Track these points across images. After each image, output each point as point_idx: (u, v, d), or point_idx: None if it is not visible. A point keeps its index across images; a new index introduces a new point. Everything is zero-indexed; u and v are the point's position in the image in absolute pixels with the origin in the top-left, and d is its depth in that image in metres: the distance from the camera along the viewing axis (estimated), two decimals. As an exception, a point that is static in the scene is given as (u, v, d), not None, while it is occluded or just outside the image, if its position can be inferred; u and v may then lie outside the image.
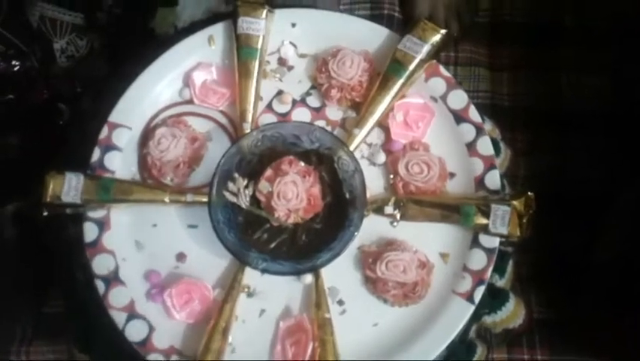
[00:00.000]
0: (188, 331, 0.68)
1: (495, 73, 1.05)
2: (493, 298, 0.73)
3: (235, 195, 0.67)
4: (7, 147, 0.92)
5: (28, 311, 0.94)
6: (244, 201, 0.67)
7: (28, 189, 0.76)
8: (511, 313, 0.76)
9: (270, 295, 0.68)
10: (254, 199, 0.67)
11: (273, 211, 0.66)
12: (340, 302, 0.68)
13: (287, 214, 0.66)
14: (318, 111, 0.74)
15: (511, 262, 0.77)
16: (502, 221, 0.67)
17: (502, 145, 0.79)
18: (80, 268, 0.71)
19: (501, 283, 0.75)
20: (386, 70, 0.72)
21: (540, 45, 1.05)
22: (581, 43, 1.04)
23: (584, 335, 0.88)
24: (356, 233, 0.64)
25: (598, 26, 1.04)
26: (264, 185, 0.66)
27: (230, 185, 0.67)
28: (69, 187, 0.68)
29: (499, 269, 0.74)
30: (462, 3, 1.05)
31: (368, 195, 0.67)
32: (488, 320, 0.75)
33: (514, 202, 0.67)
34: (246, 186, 0.67)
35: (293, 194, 0.65)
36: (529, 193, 0.68)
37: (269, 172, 0.67)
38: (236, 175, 0.67)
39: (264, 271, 0.65)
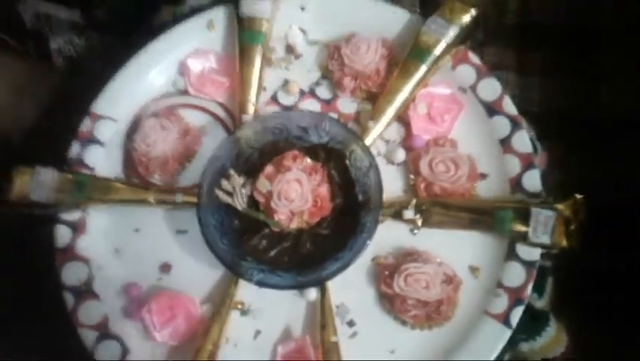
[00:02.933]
0: (169, 355, 0.62)
1: (524, 78, 0.97)
2: (532, 322, 0.65)
3: (230, 194, 0.61)
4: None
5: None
6: (240, 202, 0.61)
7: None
8: (552, 340, 0.68)
9: (268, 313, 0.62)
10: (252, 200, 0.61)
11: (273, 214, 0.60)
12: (350, 323, 0.62)
13: (289, 218, 0.60)
14: (328, 103, 0.68)
15: (550, 280, 0.70)
16: (544, 228, 0.60)
17: (538, 146, 0.72)
18: (49, 276, 0.64)
19: (540, 303, 0.68)
20: (408, 55, 0.66)
21: (574, 48, 0.98)
22: (620, 46, 0.96)
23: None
24: (369, 241, 0.58)
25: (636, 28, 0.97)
26: (263, 183, 0.60)
27: (225, 183, 0.61)
28: (38, 184, 0.62)
29: (538, 287, 0.66)
30: (488, 3, 0.99)
31: (385, 197, 0.60)
32: (525, 347, 0.67)
33: (560, 206, 0.60)
34: (243, 185, 0.61)
35: (296, 194, 0.59)
36: (577, 196, 0.61)
37: (269, 168, 0.61)
38: (231, 172, 0.61)
39: (259, 283, 0.58)
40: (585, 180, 0.84)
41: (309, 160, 0.61)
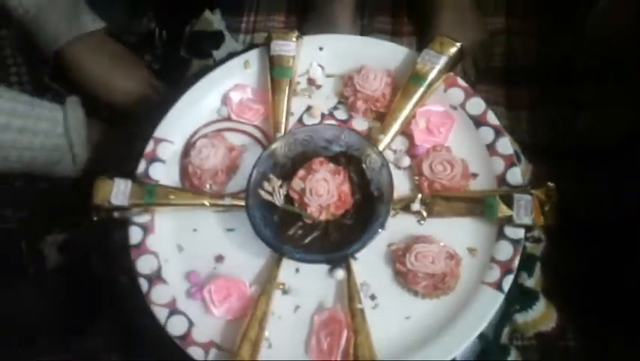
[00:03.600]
0: (226, 326, 0.70)
1: (513, 112, 1.10)
2: (524, 296, 0.75)
3: (270, 194, 0.71)
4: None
5: (68, 345, 0.94)
6: (278, 200, 0.70)
7: (78, 218, 0.83)
8: (542, 315, 0.77)
9: (304, 291, 0.70)
10: (288, 199, 0.71)
11: (306, 207, 0.69)
12: (372, 297, 0.69)
13: (319, 210, 0.70)
14: (345, 123, 0.78)
15: (539, 264, 0.79)
16: (525, 211, 0.68)
17: (522, 157, 0.83)
18: (124, 272, 0.76)
19: (530, 282, 0.77)
20: (407, 81, 0.76)
21: (556, 84, 1.10)
22: (596, 80, 1.08)
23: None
24: (381, 230, 0.67)
25: (610, 63, 1.07)
26: (297, 183, 0.70)
27: (266, 185, 0.71)
28: (118, 191, 0.73)
29: (527, 268, 0.76)
30: (477, 49, 1.13)
31: (395, 195, 0.69)
32: (520, 319, 0.76)
33: (535, 191, 0.69)
34: (281, 186, 0.71)
35: (324, 190, 0.69)
36: (549, 183, 0.70)
37: (301, 172, 0.71)
38: (271, 176, 0.71)
39: (299, 260, 0.69)
40: (568, 197, 0.97)
41: (332, 165, 0.70)
